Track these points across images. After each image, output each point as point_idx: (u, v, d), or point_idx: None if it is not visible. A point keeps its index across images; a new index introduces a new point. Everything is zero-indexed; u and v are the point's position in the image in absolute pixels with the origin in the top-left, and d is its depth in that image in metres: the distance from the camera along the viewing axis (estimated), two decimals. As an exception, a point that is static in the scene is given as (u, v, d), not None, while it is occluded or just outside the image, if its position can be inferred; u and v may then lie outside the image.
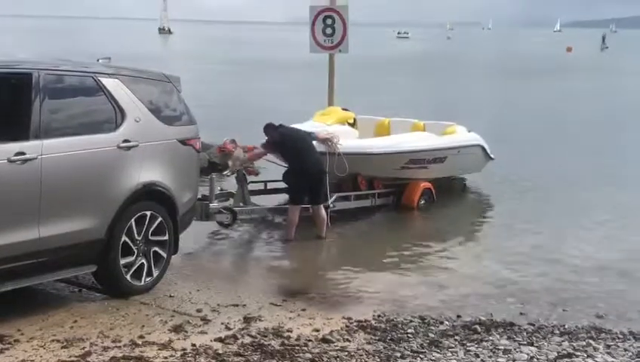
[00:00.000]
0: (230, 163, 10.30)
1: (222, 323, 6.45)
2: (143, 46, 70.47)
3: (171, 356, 5.69)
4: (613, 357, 6.13)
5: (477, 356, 5.99)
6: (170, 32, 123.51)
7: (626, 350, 6.29)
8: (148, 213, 6.98)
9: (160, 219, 7.09)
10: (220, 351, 5.81)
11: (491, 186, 13.05)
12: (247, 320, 6.57)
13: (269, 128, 9.81)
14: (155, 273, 7.15)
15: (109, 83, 6.87)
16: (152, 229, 7.03)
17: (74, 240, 6.40)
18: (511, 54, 77.05)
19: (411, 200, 11.30)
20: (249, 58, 55.12)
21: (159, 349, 5.79)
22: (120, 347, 5.80)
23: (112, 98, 6.85)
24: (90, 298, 6.96)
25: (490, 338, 6.39)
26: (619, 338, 6.57)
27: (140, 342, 5.90)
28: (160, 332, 6.15)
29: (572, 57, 73.71)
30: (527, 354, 6.04)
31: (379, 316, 6.87)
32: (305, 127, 10.79)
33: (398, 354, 5.93)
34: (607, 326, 6.88)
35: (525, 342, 6.32)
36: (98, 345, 5.82)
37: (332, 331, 6.38)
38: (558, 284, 8.16)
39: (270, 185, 11.03)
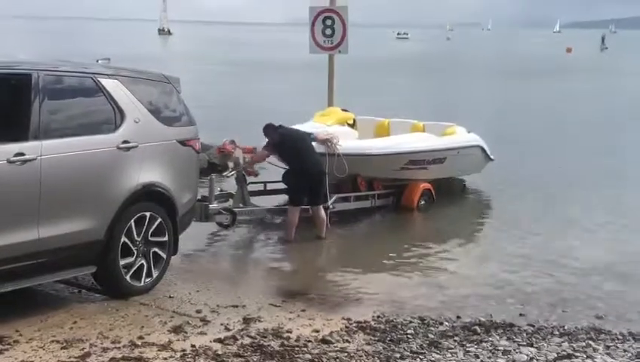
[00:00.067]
0: (231, 164, 10.32)
1: (221, 324, 6.45)
2: (142, 47, 70.49)
3: (171, 357, 5.69)
4: (612, 357, 6.13)
5: (476, 357, 5.99)
6: (169, 32, 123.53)
7: (625, 351, 6.29)
8: (147, 213, 6.98)
9: (159, 219, 7.09)
10: (220, 352, 5.81)
11: (491, 187, 13.05)
12: (247, 320, 6.56)
13: (268, 129, 9.81)
14: (155, 274, 7.15)
15: (108, 84, 6.87)
16: (151, 230, 7.03)
17: (73, 241, 6.40)
18: (510, 55, 77.08)
19: (411, 201, 11.30)
20: (248, 59, 55.14)
21: (159, 350, 5.79)
22: (119, 348, 5.80)
23: (112, 99, 6.85)
24: (90, 299, 6.96)
25: (490, 339, 6.39)
26: (618, 339, 6.57)
27: (140, 343, 5.90)
28: (159, 333, 6.15)
29: (572, 58, 73.75)
30: (527, 355, 6.04)
31: (378, 317, 6.87)
32: (305, 127, 10.81)
33: (398, 355, 5.93)
34: (607, 327, 6.88)
35: (525, 343, 6.32)
36: (97, 345, 5.82)
37: (332, 332, 6.38)
38: (558, 285, 8.16)
39: (270, 186, 11.02)
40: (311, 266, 9.02)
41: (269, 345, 5.98)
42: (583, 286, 8.16)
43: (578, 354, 6.13)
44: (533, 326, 6.80)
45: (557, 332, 6.65)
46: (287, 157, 9.92)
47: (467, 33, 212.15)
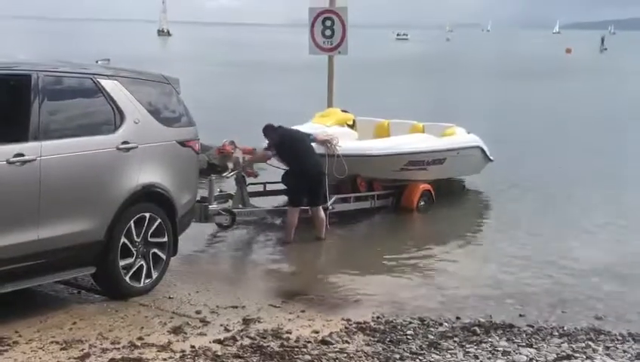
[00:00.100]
0: (230, 165, 10.32)
1: (221, 325, 6.45)
2: (141, 48, 70.48)
3: (170, 357, 5.69)
4: (612, 358, 6.13)
5: (476, 357, 5.99)
6: (169, 33, 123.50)
7: (625, 351, 6.29)
8: (147, 214, 6.98)
9: (159, 220, 7.09)
10: (219, 353, 5.81)
11: (491, 188, 13.05)
12: (247, 321, 6.56)
13: (267, 129, 9.82)
14: (154, 274, 7.15)
15: (108, 84, 6.87)
16: (151, 231, 7.03)
17: (73, 242, 6.39)
18: (510, 56, 77.08)
19: (411, 202, 11.30)
20: (248, 60, 55.13)
21: (158, 351, 5.79)
22: (119, 348, 5.80)
23: (111, 99, 6.85)
24: (89, 299, 6.96)
25: (490, 339, 6.39)
26: (618, 339, 6.57)
27: (139, 344, 5.90)
28: (159, 334, 6.15)
29: (571, 58, 73.79)
30: (527, 356, 6.04)
31: (378, 317, 6.86)
32: (304, 128, 10.81)
33: (397, 356, 5.93)
34: (607, 327, 6.88)
35: (524, 344, 6.32)
36: (97, 346, 5.82)
37: (331, 333, 6.38)
38: (558, 286, 8.16)
39: (269, 187, 11.02)
40: (310, 267, 9.02)
41: (268, 346, 5.98)
42: (583, 286, 8.16)
43: (578, 354, 6.13)
44: (533, 326, 6.80)
45: (556, 333, 6.65)
46: (286, 157, 9.92)
47: (467, 34, 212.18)
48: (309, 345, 6.08)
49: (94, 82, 6.79)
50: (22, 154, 6.03)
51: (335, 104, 12.81)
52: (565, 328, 6.79)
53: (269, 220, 10.47)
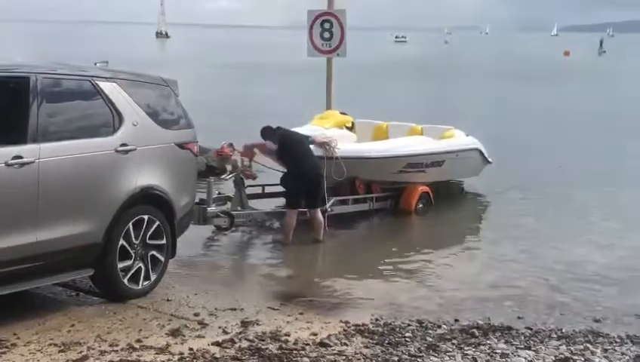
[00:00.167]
0: (229, 167, 10.32)
1: (219, 327, 6.44)
2: (140, 50, 70.48)
3: (169, 360, 5.69)
4: (610, 361, 6.14)
5: (474, 360, 5.99)
6: (167, 35, 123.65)
7: (623, 354, 6.29)
8: (145, 216, 6.98)
9: (157, 222, 7.09)
10: (218, 355, 5.81)
11: (489, 190, 13.06)
12: (245, 324, 6.56)
13: (266, 131, 9.82)
14: (153, 277, 7.14)
15: (106, 87, 6.87)
16: (149, 233, 7.03)
17: (71, 244, 6.39)
18: (508, 58, 77.16)
19: (409, 204, 11.30)
20: (247, 62, 55.15)
21: (156, 353, 5.79)
22: (117, 351, 5.79)
23: (110, 102, 6.85)
24: (88, 302, 6.95)
25: (488, 342, 6.39)
26: (616, 342, 6.57)
27: (138, 346, 5.90)
28: (157, 336, 6.15)
29: (570, 61, 73.83)
30: (525, 358, 6.05)
31: (376, 320, 6.86)
32: (303, 130, 10.81)
33: (396, 358, 5.93)
34: (605, 330, 6.87)
35: (523, 346, 6.32)
36: (95, 348, 5.82)
37: (330, 335, 6.38)
38: (556, 288, 8.16)
39: (268, 189, 11.03)
40: (308, 269, 9.02)
41: (267, 349, 5.98)
42: (581, 289, 8.15)
43: (576, 357, 6.14)
44: (531, 329, 6.80)
45: (555, 335, 6.65)
46: (285, 159, 9.93)
47: (465, 37, 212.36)
48: (307, 347, 6.08)
49: (93, 84, 6.79)
50: (20, 157, 6.03)
51: (334, 106, 12.81)
52: (563, 330, 6.79)
53: (267, 222, 10.47)
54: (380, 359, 5.91)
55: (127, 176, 6.81)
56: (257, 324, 6.57)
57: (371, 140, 12.13)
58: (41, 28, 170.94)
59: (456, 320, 6.96)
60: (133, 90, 7.11)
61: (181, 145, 7.48)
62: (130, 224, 6.83)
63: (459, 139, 12.37)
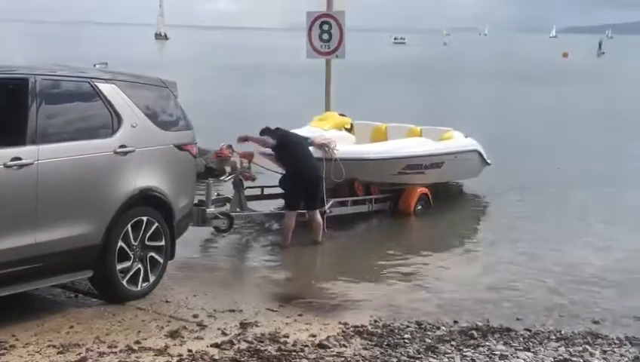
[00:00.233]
0: (228, 168, 10.32)
1: (218, 329, 6.44)
2: (139, 51, 70.49)
3: (167, 361, 5.68)
4: (609, 362, 6.14)
5: (473, 361, 5.99)
6: (166, 37, 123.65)
7: (622, 355, 6.29)
8: (144, 218, 6.98)
9: (156, 224, 7.09)
10: (217, 357, 5.81)
11: (488, 191, 13.06)
12: (244, 325, 6.56)
13: (265, 132, 9.82)
14: (152, 278, 7.14)
15: (105, 88, 6.87)
16: (148, 234, 7.03)
17: (70, 246, 6.39)
18: (507, 59, 77.18)
19: (408, 206, 11.30)
20: (246, 63, 55.15)
21: (155, 355, 5.79)
22: (116, 352, 5.79)
23: (109, 103, 6.85)
24: (87, 303, 6.95)
25: (487, 343, 6.39)
26: (615, 343, 6.57)
27: (136, 348, 5.90)
28: (156, 338, 6.15)
29: (569, 63, 73.87)
30: (524, 360, 6.05)
31: (375, 321, 6.86)
32: (302, 132, 10.80)
33: (395, 360, 5.93)
34: (604, 331, 6.87)
35: (522, 348, 6.32)
36: (94, 350, 5.81)
37: (328, 336, 6.38)
38: (555, 289, 8.16)
39: (267, 191, 11.02)
40: (307, 271, 9.02)
41: (265, 350, 5.98)
42: (580, 290, 8.16)
43: (575, 358, 6.14)
44: (530, 330, 6.80)
45: (554, 337, 6.65)
46: (284, 160, 9.93)
47: (464, 38, 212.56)
48: (306, 348, 6.08)
49: (92, 86, 6.79)
50: (19, 158, 6.03)
51: (333, 108, 12.81)
52: (562, 332, 6.79)
53: (266, 224, 10.47)
54: (378, 360, 5.91)
55: (126, 177, 6.81)
56: (256, 326, 6.57)
57: (370, 142, 12.14)
58: (41, 28, 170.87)
59: (455, 322, 6.96)
60: (132, 92, 7.11)
61: (180, 147, 7.48)
62: (129, 225, 6.83)
63: (458, 141, 12.39)
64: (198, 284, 7.75)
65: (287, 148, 9.76)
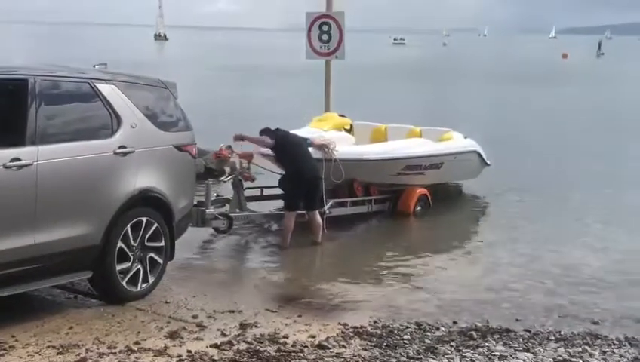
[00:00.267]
0: (227, 169, 10.32)
1: (218, 330, 6.44)
2: (139, 52, 70.46)
3: (167, 362, 5.69)
4: (608, 363, 6.14)
5: (473, 362, 5.99)
6: (166, 38, 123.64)
7: (621, 356, 6.29)
8: (144, 219, 6.98)
9: (156, 225, 7.09)
10: (216, 358, 5.81)
11: (487, 192, 13.06)
12: (243, 326, 6.56)
13: (265, 132, 9.82)
14: (151, 279, 7.14)
15: (105, 89, 6.87)
16: (148, 235, 7.03)
17: (70, 246, 6.39)
18: (506, 60, 77.20)
19: (407, 207, 11.30)
20: (245, 64, 55.15)
21: (155, 355, 5.79)
22: (115, 353, 5.79)
23: (108, 104, 6.85)
24: (86, 304, 6.95)
25: (486, 344, 6.39)
26: (614, 344, 6.57)
27: (136, 348, 5.90)
28: (156, 339, 6.15)
29: (568, 64, 73.87)
30: (523, 361, 6.05)
31: (375, 322, 6.86)
32: (301, 132, 10.80)
33: (394, 361, 5.93)
34: (603, 332, 6.88)
35: (521, 348, 6.32)
36: (93, 351, 5.81)
37: (328, 337, 6.38)
38: (554, 290, 8.16)
39: (266, 192, 11.02)
40: (307, 272, 9.01)
41: (265, 351, 5.98)
42: (579, 291, 8.16)
43: (574, 359, 6.14)
44: (530, 331, 6.80)
45: (553, 338, 6.65)
46: (283, 161, 9.93)
47: (463, 39, 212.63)
48: (305, 349, 6.08)
49: (91, 87, 6.80)
50: (19, 159, 6.03)
51: (332, 108, 12.81)
52: (562, 332, 6.79)
53: (265, 225, 10.47)
54: (378, 361, 5.91)
55: (126, 178, 6.81)
56: (256, 326, 6.57)
57: (370, 142, 12.14)
58: (41, 29, 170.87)
59: (455, 323, 6.96)
60: (132, 93, 7.11)
61: (180, 148, 7.48)
62: (129, 226, 6.83)
63: (457, 142, 12.39)
64: (197, 285, 7.76)
65: (287, 149, 9.77)
